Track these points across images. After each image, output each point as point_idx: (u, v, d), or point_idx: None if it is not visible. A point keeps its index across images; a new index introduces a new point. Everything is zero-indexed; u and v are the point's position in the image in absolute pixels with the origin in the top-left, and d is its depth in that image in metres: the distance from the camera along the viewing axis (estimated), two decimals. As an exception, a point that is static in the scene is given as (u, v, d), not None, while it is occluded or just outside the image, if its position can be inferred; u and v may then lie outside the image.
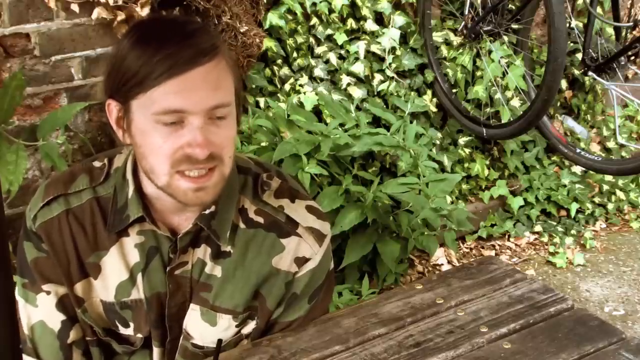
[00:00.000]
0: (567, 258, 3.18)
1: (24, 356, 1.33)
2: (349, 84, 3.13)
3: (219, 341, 1.22)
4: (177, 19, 1.27)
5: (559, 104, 3.74)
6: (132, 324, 1.34)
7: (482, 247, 3.25)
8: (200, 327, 1.33)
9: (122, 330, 1.35)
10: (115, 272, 1.31)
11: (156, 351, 1.37)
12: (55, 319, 1.32)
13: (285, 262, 1.30)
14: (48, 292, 1.31)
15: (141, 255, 1.30)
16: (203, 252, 1.30)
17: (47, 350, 1.33)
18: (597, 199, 3.55)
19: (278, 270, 1.30)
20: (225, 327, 1.32)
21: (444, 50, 3.38)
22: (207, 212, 1.26)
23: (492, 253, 3.21)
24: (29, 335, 1.33)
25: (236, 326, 1.33)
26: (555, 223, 3.41)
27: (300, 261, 1.31)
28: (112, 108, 1.22)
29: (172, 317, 1.34)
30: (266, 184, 1.34)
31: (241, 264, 1.30)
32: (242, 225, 1.30)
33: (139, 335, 1.35)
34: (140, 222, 1.28)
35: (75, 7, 2.41)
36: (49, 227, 1.30)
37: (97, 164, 1.34)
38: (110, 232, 1.29)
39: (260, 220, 1.31)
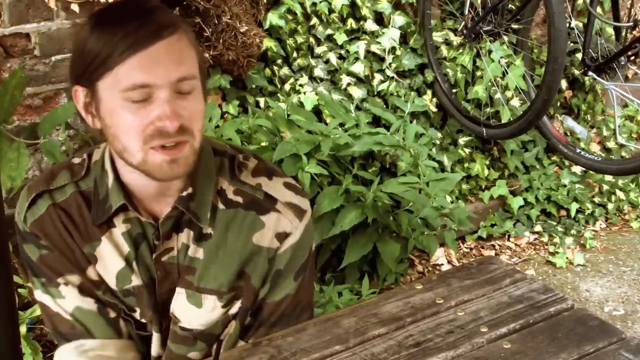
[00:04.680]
0: (567, 258, 3.18)
1: (83, 341, 1.33)
2: (349, 84, 3.13)
3: (219, 341, 1.22)
4: (134, 1, 1.27)
5: (559, 104, 3.74)
6: (137, 309, 1.36)
7: (482, 247, 3.25)
8: (187, 310, 1.34)
9: (133, 315, 1.37)
10: (112, 261, 1.32)
11: (155, 336, 1.39)
12: (88, 302, 1.34)
13: (266, 238, 1.31)
14: (66, 284, 1.33)
15: (129, 244, 1.31)
16: (186, 236, 1.31)
17: (96, 329, 1.34)
18: (597, 199, 3.55)
19: (260, 247, 1.31)
20: (210, 307, 1.33)
21: (444, 50, 3.38)
22: (184, 194, 1.27)
23: (492, 253, 3.21)
24: (73, 320, 1.34)
25: (222, 307, 1.34)
26: (555, 223, 3.41)
27: (281, 236, 1.31)
28: (79, 94, 1.22)
29: (164, 303, 1.35)
30: (243, 164, 1.35)
31: (223, 244, 1.31)
32: (221, 206, 1.31)
33: (144, 320, 1.36)
34: (124, 210, 1.30)
35: (75, 7, 2.41)
36: (41, 223, 1.31)
37: (76, 160, 1.36)
38: (94, 223, 1.30)
39: (239, 199, 1.32)
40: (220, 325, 1.36)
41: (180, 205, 1.27)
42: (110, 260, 1.32)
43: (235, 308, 1.35)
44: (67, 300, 1.33)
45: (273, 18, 2.92)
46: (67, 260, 1.32)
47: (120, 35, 1.15)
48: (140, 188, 1.28)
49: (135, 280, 1.33)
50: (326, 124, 2.87)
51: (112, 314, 1.35)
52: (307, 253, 1.36)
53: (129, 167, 1.23)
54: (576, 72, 3.65)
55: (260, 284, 1.33)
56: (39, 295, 1.35)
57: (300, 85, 3.04)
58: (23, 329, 2.17)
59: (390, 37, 3.21)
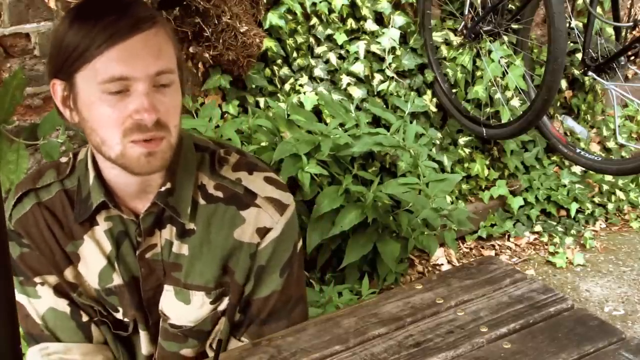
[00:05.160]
0: (567, 258, 3.18)
1: (47, 344, 1.34)
2: (349, 84, 3.13)
3: (219, 342, 1.22)
4: None
5: (559, 104, 3.74)
6: (120, 309, 1.36)
7: (482, 247, 3.25)
8: (176, 307, 1.34)
9: (116, 315, 1.37)
10: (94, 259, 1.33)
11: (142, 334, 1.39)
12: (61, 304, 1.34)
13: (247, 233, 1.31)
14: (42, 284, 1.33)
15: (111, 242, 1.31)
16: (169, 232, 1.31)
17: (66, 333, 1.34)
18: (597, 199, 3.55)
19: (241, 243, 1.31)
20: (199, 304, 1.33)
21: (444, 50, 3.38)
22: (163, 189, 1.27)
23: (492, 253, 3.21)
24: (43, 324, 1.34)
25: (210, 303, 1.34)
26: (555, 223, 3.41)
27: (262, 231, 1.31)
28: (57, 88, 1.23)
29: (149, 301, 1.35)
30: (224, 159, 1.34)
31: (206, 239, 1.31)
32: (202, 202, 1.31)
33: (126, 320, 1.36)
34: (105, 208, 1.30)
35: (75, 7, 2.41)
36: (25, 221, 1.32)
37: (63, 159, 1.37)
38: (77, 221, 1.31)
39: (220, 194, 1.31)
40: (209, 322, 1.36)
41: (159, 201, 1.27)
42: (92, 259, 1.32)
43: (223, 304, 1.35)
44: (41, 300, 1.33)
45: (273, 18, 2.92)
46: (46, 261, 1.32)
47: (98, 28, 1.15)
48: (121, 185, 1.28)
49: (117, 279, 1.33)
50: (326, 124, 2.87)
51: (85, 318, 1.35)
52: (291, 247, 1.35)
53: (109, 163, 1.23)
54: (576, 72, 3.65)
55: (244, 280, 1.33)
56: (15, 295, 1.35)
57: (300, 85, 3.04)
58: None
59: (390, 37, 3.21)
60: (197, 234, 1.31)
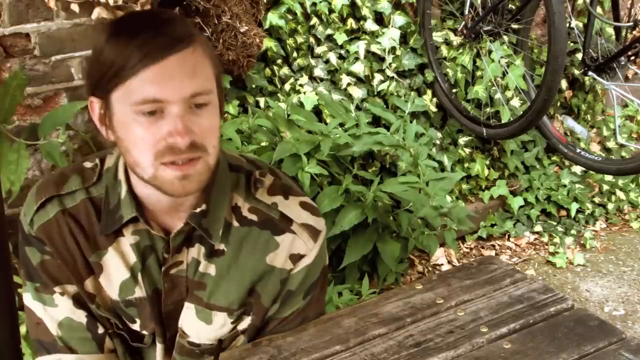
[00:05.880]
0: (567, 258, 3.18)
1: (60, 355, 1.32)
2: (349, 84, 3.13)
3: (220, 341, 1.21)
4: (152, 11, 1.24)
5: (559, 104, 3.74)
6: (138, 320, 1.34)
7: (482, 247, 3.25)
8: (196, 326, 1.33)
9: (132, 326, 1.35)
10: (116, 271, 1.31)
11: (159, 347, 1.37)
12: (79, 314, 1.32)
13: (280, 259, 1.30)
14: (62, 293, 1.31)
15: (137, 255, 1.29)
16: (197, 251, 1.30)
17: (80, 343, 1.33)
18: (597, 199, 3.55)
19: (273, 267, 1.30)
20: (220, 324, 1.32)
21: (444, 50, 3.38)
22: (197, 210, 1.26)
23: (492, 253, 3.21)
24: (58, 334, 1.32)
25: (231, 323, 1.33)
26: (555, 223, 3.41)
27: (295, 258, 1.30)
28: (95, 105, 1.21)
29: (169, 315, 1.34)
30: (259, 181, 1.33)
31: (235, 262, 1.30)
32: (235, 224, 1.30)
33: (145, 332, 1.35)
34: (134, 222, 1.28)
35: (75, 7, 2.41)
36: (48, 228, 1.29)
37: (88, 164, 1.34)
38: (103, 233, 1.29)
39: (254, 218, 1.30)
40: (228, 340, 1.35)
41: (192, 222, 1.26)
42: (115, 270, 1.31)
43: (244, 324, 1.34)
44: (58, 309, 1.32)
45: (273, 18, 2.92)
46: (68, 270, 1.30)
47: (133, 46, 1.13)
48: (153, 201, 1.26)
49: (139, 292, 1.32)
50: (326, 124, 2.88)
51: (101, 330, 1.33)
52: (320, 272, 1.35)
53: (142, 181, 1.22)
54: (576, 72, 3.65)
55: (270, 303, 1.32)
56: (28, 299, 1.33)
57: (300, 85, 3.04)
58: (23, 329, 2.17)
59: (390, 37, 3.21)
60: (227, 255, 1.29)
